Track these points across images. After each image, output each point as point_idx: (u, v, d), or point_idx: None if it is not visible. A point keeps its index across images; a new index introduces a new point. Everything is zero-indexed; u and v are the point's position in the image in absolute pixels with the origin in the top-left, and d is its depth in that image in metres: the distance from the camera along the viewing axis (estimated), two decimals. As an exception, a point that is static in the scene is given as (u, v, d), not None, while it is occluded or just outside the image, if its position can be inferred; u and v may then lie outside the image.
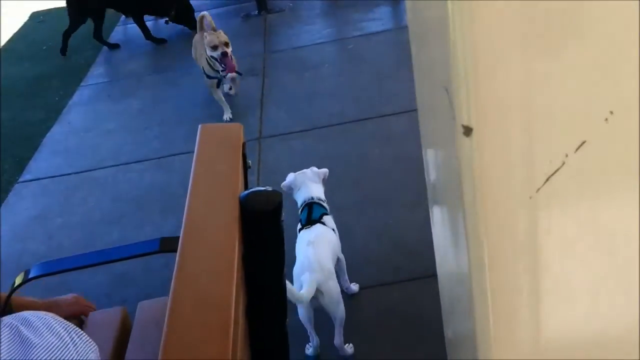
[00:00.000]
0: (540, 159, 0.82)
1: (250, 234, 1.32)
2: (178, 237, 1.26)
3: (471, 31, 0.74)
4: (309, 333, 2.38)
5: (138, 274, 3.01)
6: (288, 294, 2.02)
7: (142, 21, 5.88)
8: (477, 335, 1.02)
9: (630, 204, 0.86)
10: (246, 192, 1.34)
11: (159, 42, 5.86)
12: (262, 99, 4.48)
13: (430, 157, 1.29)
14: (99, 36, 5.89)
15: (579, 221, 0.88)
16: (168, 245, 1.77)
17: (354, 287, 2.65)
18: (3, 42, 6.83)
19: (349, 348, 2.39)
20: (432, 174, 1.32)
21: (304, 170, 2.67)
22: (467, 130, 0.79)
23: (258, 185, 1.46)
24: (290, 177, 2.65)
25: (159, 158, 4.02)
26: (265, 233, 1.35)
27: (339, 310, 2.32)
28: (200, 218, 1.30)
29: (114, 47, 5.97)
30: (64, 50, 5.97)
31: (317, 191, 2.60)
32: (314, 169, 2.69)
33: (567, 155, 0.82)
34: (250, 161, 1.63)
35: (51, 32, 6.80)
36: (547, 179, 0.83)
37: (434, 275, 2.55)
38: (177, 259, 1.18)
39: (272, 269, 1.44)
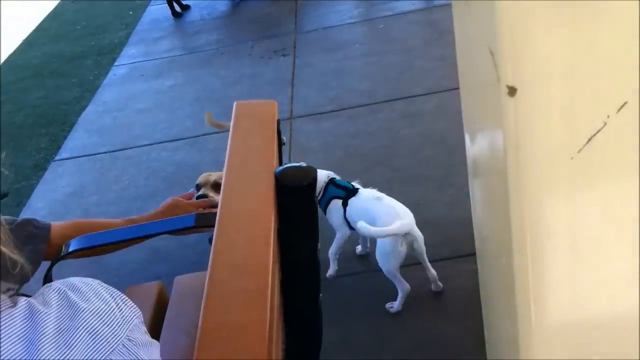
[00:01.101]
0: (583, 120, 0.83)
1: (286, 209, 1.34)
2: (212, 213, 1.30)
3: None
4: (398, 283, 2.44)
5: (172, 250, 3.07)
6: (381, 233, 2.29)
7: None
8: (518, 315, 1.04)
9: None
10: (281, 167, 1.37)
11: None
12: (293, 79, 4.50)
13: (472, 126, 1.30)
14: None
15: (619, 187, 0.89)
16: (203, 220, 1.81)
17: None
18: (38, 22, 6.93)
19: (439, 283, 2.51)
20: (473, 145, 1.33)
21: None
22: (512, 91, 0.81)
23: (290, 164, 1.49)
24: None
25: (191, 137, 4.07)
26: (300, 207, 1.38)
27: (424, 248, 2.43)
28: (237, 191, 1.34)
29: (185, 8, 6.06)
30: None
31: (325, 171, 2.67)
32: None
33: (608, 116, 0.83)
34: (284, 138, 1.65)
35: (84, 12, 6.90)
36: (589, 140, 0.84)
37: (465, 255, 2.58)
38: (215, 228, 1.22)
39: (306, 244, 1.46)
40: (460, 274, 2.56)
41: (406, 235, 2.34)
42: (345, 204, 2.55)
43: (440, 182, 3.11)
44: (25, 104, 5.08)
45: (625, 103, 0.82)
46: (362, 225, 2.35)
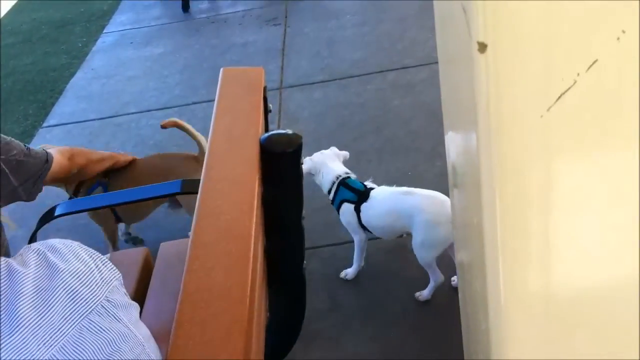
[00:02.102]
0: (553, 77, 0.83)
1: (271, 176, 1.34)
2: (198, 180, 1.29)
3: None
4: (432, 273, 2.33)
5: (159, 217, 3.06)
6: (441, 221, 2.12)
7: None
8: (488, 284, 1.04)
9: None
10: (267, 134, 1.36)
11: None
12: (284, 49, 4.47)
13: (446, 84, 1.30)
14: None
15: (589, 146, 0.89)
16: (189, 187, 1.81)
17: None
18: (26, -12, 6.84)
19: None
20: (447, 104, 1.33)
21: (322, 150, 2.56)
22: (482, 47, 0.80)
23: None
24: (307, 162, 2.50)
25: (180, 106, 4.05)
26: (285, 174, 1.38)
27: None
28: (221, 157, 1.33)
29: None
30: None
31: (341, 167, 2.49)
32: (334, 149, 2.58)
33: (578, 74, 0.83)
34: (271, 105, 1.64)
35: (74, -22, 6.80)
36: (559, 97, 0.84)
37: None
38: (199, 193, 1.21)
39: (291, 210, 1.46)
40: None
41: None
42: (358, 209, 2.38)
43: (430, 153, 3.11)
44: (14, 70, 5.02)
45: (596, 61, 0.82)
46: (419, 243, 2.21)
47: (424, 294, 2.39)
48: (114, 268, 0.97)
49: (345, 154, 2.58)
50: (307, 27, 4.71)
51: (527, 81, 0.83)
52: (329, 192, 2.46)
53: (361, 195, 2.37)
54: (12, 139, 1.63)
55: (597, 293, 1.05)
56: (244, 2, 5.25)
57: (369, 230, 2.41)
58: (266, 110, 1.61)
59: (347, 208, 2.40)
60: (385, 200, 2.34)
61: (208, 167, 1.30)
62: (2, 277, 0.84)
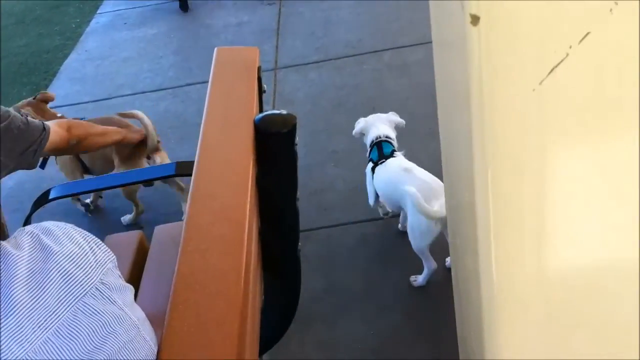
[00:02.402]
0: (545, 50, 0.82)
1: (265, 156, 1.34)
2: (193, 162, 1.29)
3: None
4: (425, 260, 2.34)
5: (155, 201, 3.06)
6: (422, 211, 2.13)
7: None
8: (480, 265, 1.04)
9: (632, 102, 0.87)
10: (261, 114, 1.35)
11: None
12: (279, 29, 4.44)
13: (440, 59, 1.29)
14: None
15: (580, 120, 0.89)
16: (184, 169, 1.81)
17: None
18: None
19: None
20: (440, 78, 1.32)
21: (379, 114, 2.63)
22: (475, 19, 0.80)
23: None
24: (361, 122, 2.61)
25: (175, 87, 4.02)
26: (279, 155, 1.37)
27: None
28: (215, 138, 1.32)
29: None
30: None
31: (386, 130, 2.55)
32: (391, 114, 2.65)
33: (570, 47, 0.82)
34: (265, 86, 1.63)
35: (67, -42, 6.72)
36: (551, 71, 0.83)
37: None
38: (193, 175, 1.21)
39: (285, 192, 1.46)
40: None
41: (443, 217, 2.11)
42: (374, 171, 2.47)
43: (426, 134, 3.09)
44: (7, 52, 4.98)
45: (588, 33, 0.81)
46: (410, 192, 2.17)
47: (419, 280, 2.40)
48: (108, 250, 0.96)
49: (401, 121, 2.64)
50: (302, 7, 4.67)
51: (520, 54, 0.83)
52: (369, 150, 2.55)
53: (381, 158, 2.45)
54: (9, 109, 1.66)
55: (591, 276, 1.05)
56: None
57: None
58: (260, 91, 1.60)
59: (368, 167, 2.52)
60: (390, 170, 2.41)
61: (202, 149, 1.29)
62: (-6, 261, 0.84)
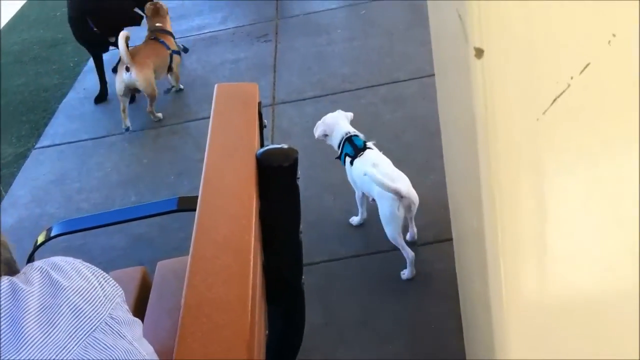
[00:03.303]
0: (547, 81, 0.85)
1: (267, 190, 1.35)
2: (195, 196, 1.30)
3: None
4: (403, 249, 2.51)
5: (154, 236, 3.07)
6: (378, 182, 2.38)
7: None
8: (489, 289, 1.06)
9: (632, 130, 0.89)
10: (263, 148, 1.38)
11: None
12: (275, 65, 4.49)
13: (443, 90, 1.32)
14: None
15: (583, 149, 0.91)
16: (185, 203, 1.82)
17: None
18: (18, 8, 6.85)
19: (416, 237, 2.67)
20: (444, 110, 1.35)
21: (330, 113, 2.84)
22: (479, 52, 0.83)
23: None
24: (320, 124, 2.79)
25: (173, 124, 4.06)
26: (282, 188, 1.39)
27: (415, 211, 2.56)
28: (218, 172, 1.34)
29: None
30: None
31: (348, 126, 2.76)
32: (341, 111, 2.85)
33: (572, 78, 0.85)
34: (266, 121, 1.66)
35: (64, -1, 6.81)
36: (554, 101, 0.86)
37: (448, 240, 2.60)
38: (197, 209, 1.22)
39: (288, 225, 1.48)
40: (443, 257, 2.58)
41: (403, 199, 2.41)
42: (352, 164, 2.65)
43: (423, 166, 3.13)
44: (5, 91, 5.03)
45: (588, 64, 0.84)
46: (370, 172, 2.43)
47: (406, 273, 2.54)
48: (116, 285, 0.97)
49: (350, 114, 2.86)
50: (297, 43, 4.74)
51: (523, 85, 0.86)
52: (338, 147, 2.73)
53: (357, 151, 2.64)
54: None
55: (594, 296, 1.07)
56: (234, 19, 5.27)
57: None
58: (261, 126, 1.63)
59: (347, 162, 2.69)
60: (363, 163, 2.58)
61: (205, 182, 1.31)
62: (7, 296, 0.85)
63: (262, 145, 1.59)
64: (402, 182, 2.46)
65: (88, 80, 4.90)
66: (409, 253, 2.51)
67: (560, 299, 1.08)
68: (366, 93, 3.93)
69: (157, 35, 4.18)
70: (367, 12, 5.02)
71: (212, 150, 1.41)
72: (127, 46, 3.83)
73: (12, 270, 0.93)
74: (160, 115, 4.12)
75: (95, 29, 4.17)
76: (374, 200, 2.58)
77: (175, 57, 4.24)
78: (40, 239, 1.91)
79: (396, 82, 3.95)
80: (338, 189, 3.06)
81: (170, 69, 4.22)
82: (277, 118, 3.84)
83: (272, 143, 3.56)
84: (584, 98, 0.87)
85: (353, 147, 2.66)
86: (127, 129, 4.00)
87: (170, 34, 4.30)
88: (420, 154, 3.23)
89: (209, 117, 1.61)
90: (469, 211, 1.12)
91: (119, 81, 3.88)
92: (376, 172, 2.43)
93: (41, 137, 4.23)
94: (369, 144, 2.68)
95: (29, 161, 3.99)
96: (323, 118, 2.82)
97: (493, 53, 0.83)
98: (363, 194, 2.75)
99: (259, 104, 1.61)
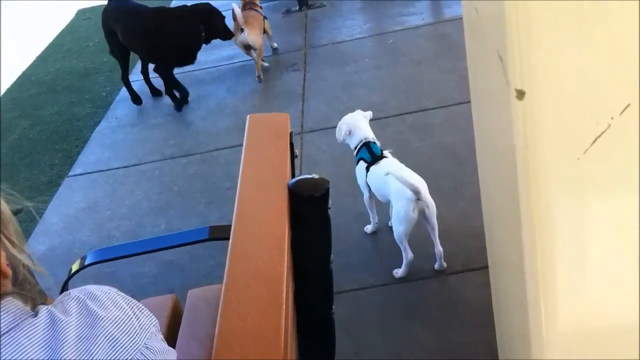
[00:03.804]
0: (588, 121, 0.86)
1: (299, 220, 1.36)
2: (226, 225, 1.32)
3: (525, 1, 0.79)
4: (403, 249, 2.63)
5: (184, 263, 3.09)
6: (400, 179, 2.51)
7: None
8: (529, 323, 1.05)
9: None
10: (295, 178, 1.39)
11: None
12: (304, 93, 4.53)
13: (483, 130, 1.33)
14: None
15: (624, 188, 0.91)
16: (217, 233, 1.84)
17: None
18: (51, 39, 7.01)
19: (443, 262, 2.68)
20: (483, 150, 1.35)
21: (350, 114, 2.98)
22: (520, 94, 0.83)
23: (302, 178, 1.51)
24: (344, 125, 2.91)
25: (203, 152, 4.10)
26: (313, 218, 1.40)
27: (436, 221, 2.62)
28: (251, 203, 1.36)
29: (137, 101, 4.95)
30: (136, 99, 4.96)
31: (369, 131, 2.91)
32: (360, 111, 2.99)
33: (612, 118, 0.86)
34: (297, 150, 1.68)
35: (97, 29, 6.94)
36: (594, 141, 0.86)
37: (477, 269, 2.59)
38: (230, 238, 1.24)
39: (319, 255, 1.48)
40: (472, 286, 2.56)
41: (418, 201, 2.52)
42: (368, 170, 2.77)
43: (451, 194, 3.12)
44: (39, 119, 5.13)
45: (628, 105, 0.85)
46: (392, 170, 2.56)
47: (399, 272, 2.69)
48: (151, 315, 0.99)
49: (369, 113, 3.02)
50: (325, 72, 4.78)
51: (564, 125, 0.86)
52: (355, 148, 2.88)
53: (374, 158, 2.77)
54: None
55: (631, 326, 1.06)
56: (264, 49, 5.34)
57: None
58: (292, 156, 1.64)
59: (361, 165, 2.83)
60: (381, 170, 2.70)
61: (238, 213, 1.32)
62: (46, 326, 0.87)
63: (293, 175, 1.61)
64: (421, 186, 2.57)
65: (120, 109, 4.99)
66: (408, 254, 2.64)
67: (597, 330, 1.07)
68: (394, 121, 3.94)
69: (251, 6, 4.99)
70: (395, 41, 5.06)
71: (245, 180, 1.43)
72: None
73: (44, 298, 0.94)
74: (266, 64, 5.09)
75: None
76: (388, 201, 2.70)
77: (266, 21, 5.14)
78: (75, 267, 1.93)
79: (424, 110, 3.97)
80: (366, 218, 3.06)
81: (264, 31, 5.10)
82: (305, 146, 3.87)
83: (301, 170, 3.59)
84: (624, 137, 0.87)
85: (370, 154, 2.78)
86: (260, 79, 4.87)
87: (258, 5, 5.15)
88: (449, 181, 3.22)
89: (238, 146, 1.63)
90: (508, 245, 1.12)
91: (238, 41, 4.77)
92: (398, 169, 2.58)
93: (74, 165, 4.30)
94: (386, 152, 2.80)
95: (62, 189, 4.05)
96: (343, 118, 2.95)
97: (534, 95, 0.84)
98: (371, 197, 2.87)
99: (290, 134, 1.62)
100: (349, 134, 2.91)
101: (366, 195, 2.90)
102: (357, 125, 2.91)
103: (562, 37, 0.80)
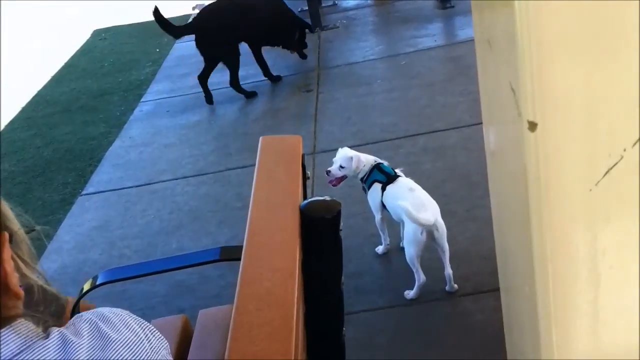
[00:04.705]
0: (600, 153, 0.86)
1: (310, 242, 1.36)
2: (237, 246, 1.32)
3: (537, 35, 0.79)
4: (415, 271, 2.65)
5: (195, 283, 3.09)
6: (411, 218, 2.54)
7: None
8: (541, 342, 1.04)
9: None
10: (306, 201, 1.39)
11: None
12: (316, 115, 4.55)
13: (495, 160, 1.33)
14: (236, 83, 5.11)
15: (636, 218, 0.91)
16: (228, 253, 1.84)
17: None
18: (66, 59, 7.09)
19: (454, 284, 2.69)
20: (496, 179, 1.35)
21: (340, 149, 3.02)
22: (532, 126, 0.84)
23: (314, 199, 1.51)
24: (352, 155, 2.91)
25: (215, 172, 4.12)
26: (325, 241, 1.40)
27: (446, 244, 2.65)
28: (262, 225, 1.36)
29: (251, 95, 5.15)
30: (209, 99, 5.15)
31: (372, 156, 2.95)
32: (347, 148, 3.02)
33: (625, 150, 0.86)
34: (309, 172, 1.68)
35: (113, 49, 7.06)
36: (607, 172, 0.86)
37: (488, 291, 2.58)
38: (241, 260, 1.24)
39: (330, 277, 1.48)
40: (484, 309, 2.55)
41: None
42: (384, 189, 2.80)
43: (463, 217, 3.11)
44: (53, 139, 5.18)
45: None
46: (402, 205, 2.58)
47: (411, 293, 2.69)
48: (162, 337, 0.99)
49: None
50: (338, 93, 4.80)
51: (576, 157, 0.86)
52: (364, 175, 2.91)
53: (389, 179, 2.81)
54: None
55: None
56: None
57: (387, 211, 2.83)
58: (304, 178, 1.65)
59: (375, 187, 2.85)
60: (398, 188, 2.77)
61: (250, 234, 1.33)
62: (58, 348, 0.87)
63: (305, 197, 1.61)
64: (432, 209, 2.61)
65: (134, 129, 5.03)
66: (420, 276, 2.66)
67: (611, 355, 1.06)
68: (406, 143, 3.95)
69: None
70: (407, 63, 5.08)
71: (257, 202, 1.43)
72: None
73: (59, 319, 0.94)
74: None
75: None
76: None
77: None
78: (86, 286, 1.93)
79: (436, 132, 3.97)
80: (377, 240, 3.05)
81: None
82: (317, 167, 3.87)
83: (312, 192, 3.59)
84: (637, 168, 0.87)
85: (383, 174, 2.83)
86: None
87: None
88: (460, 204, 3.21)
89: (250, 166, 1.63)
90: (520, 271, 1.12)
91: None
92: (407, 204, 2.56)
93: (87, 184, 4.32)
94: (398, 171, 2.86)
95: (75, 207, 4.07)
96: (343, 153, 2.97)
97: (546, 126, 0.84)
98: (383, 219, 2.91)
99: (303, 156, 1.63)
100: (361, 166, 2.92)
101: (378, 217, 2.92)
102: (358, 153, 2.95)
103: (574, 70, 0.80)
